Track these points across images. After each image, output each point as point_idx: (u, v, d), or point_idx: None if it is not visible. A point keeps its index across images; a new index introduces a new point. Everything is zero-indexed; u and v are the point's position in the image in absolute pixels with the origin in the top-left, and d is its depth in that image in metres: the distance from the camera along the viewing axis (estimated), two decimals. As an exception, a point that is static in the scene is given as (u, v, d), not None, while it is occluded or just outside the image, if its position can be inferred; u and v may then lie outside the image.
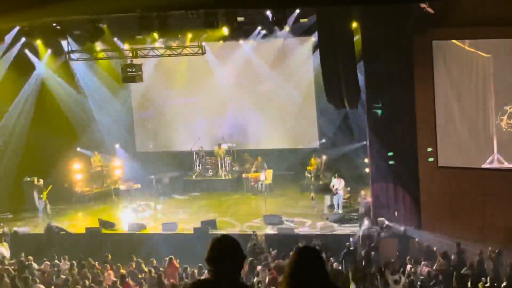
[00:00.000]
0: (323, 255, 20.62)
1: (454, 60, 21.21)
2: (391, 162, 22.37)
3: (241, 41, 27.15)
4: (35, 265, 21.08)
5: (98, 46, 25.58)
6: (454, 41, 21.09)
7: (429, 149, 21.77)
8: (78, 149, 28.89)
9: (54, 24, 23.52)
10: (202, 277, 18.43)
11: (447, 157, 21.78)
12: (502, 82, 20.58)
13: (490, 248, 19.51)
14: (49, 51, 26.74)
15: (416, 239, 21.46)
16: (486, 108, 21.02)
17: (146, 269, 20.39)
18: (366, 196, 24.25)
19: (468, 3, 19.62)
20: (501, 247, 19.48)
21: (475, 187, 21.38)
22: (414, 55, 21.55)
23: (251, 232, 22.42)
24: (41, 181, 27.00)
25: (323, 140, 28.35)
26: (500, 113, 20.77)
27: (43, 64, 27.45)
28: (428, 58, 21.35)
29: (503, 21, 19.76)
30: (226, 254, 5.22)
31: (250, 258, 20.44)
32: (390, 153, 22.39)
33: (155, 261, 20.91)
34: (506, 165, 20.95)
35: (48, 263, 21.14)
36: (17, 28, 24.04)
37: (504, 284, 17.08)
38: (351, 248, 21.24)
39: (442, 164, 21.82)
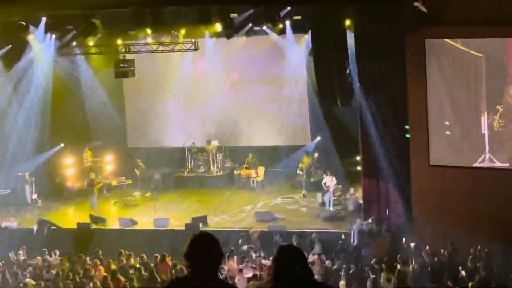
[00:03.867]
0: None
1: (447, 59, 21.25)
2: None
3: (234, 38, 27.07)
4: (25, 260, 21.05)
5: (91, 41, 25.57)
6: (446, 39, 21.12)
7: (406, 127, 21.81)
8: (61, 145, 28.83)
9: (47, 19, 23.40)
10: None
11: (438, 156, 21.82)
12: (494, 82, 20.62)
13: (479, 247, 19.57)
14: (41, 45, 26.58)
15: (407, 238, 21.48)
16: (478, 107, 21.07)
17: (136, 264, 20.38)
18: (355, 193, 24.27)
19: (461, 2, 19.67)
20: (491, 247, 19.53)
21: (466, 186, 21.43)
22: (407, 54, 21.58)
23: (242, 229, 22.43)
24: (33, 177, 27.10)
25: (318, 138, 28.21)
26: (492, 112, 20.82)
27: (34, 59, 27.31)
28: (421, 57, 21.38)
29: (496, 21, 19.82)
30: (203, 250, 5.28)
31: (242, 255, 20.48)
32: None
33: (146, 257, 20.89)
34: (497, 164, 21.01)
35: (39, 258, 21.13)
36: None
37: (494, 285, 17.11)
38: (343, 246, 21.29)
39: (433, 163, 21.87)
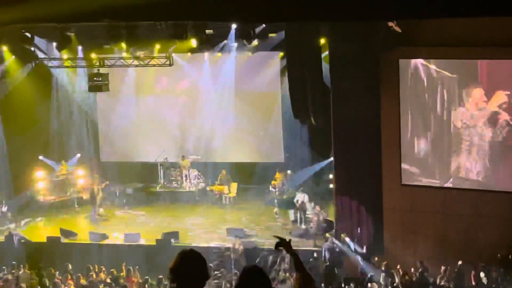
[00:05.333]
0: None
1: (420, 79, 21.39)
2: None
3: (209, 54, 27.12)
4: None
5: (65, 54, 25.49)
6: (420, 60, 21.28)
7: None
8: (40, 157, 28.65)
9: (22, 31, 23.27)
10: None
11: (410, 175, 21.92)
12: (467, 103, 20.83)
13: (449, 267, 19.68)
14: (14, 57, 26.38)
15: (378, 256, 21.53)
16: (450, 128, 21.22)
17: (106, 279, 20.25)
18: (321, 211, 24.26)
19: (434, 23, 19.83)
20: (461, 266, 19.65)
21: (437, 205, 21.55)
22: (380, 73, 21.71)
23: (215, 245, 22.46)
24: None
25: (288, 155, 28.40)
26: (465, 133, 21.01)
27: (8, 70, 27.13)
28: (395, 77, 21.52)
29: (469, 42, 20.01)
30: (192, 269, 5.19)
31: (215, 272, 20.42)
32: None
33: (115, 272, 20.78)
34: (467, 184, 21.18)
35: (10, 275, 20.87)
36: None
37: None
38: (314, 264, 21.27)
39: (405, 182, 21.97)
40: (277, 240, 6.11)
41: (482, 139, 20.78)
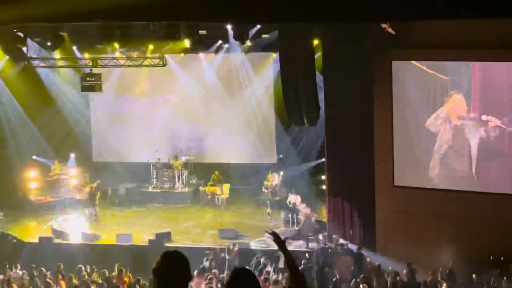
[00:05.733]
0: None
1: (413, 81, 21.43)
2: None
3: (202, 54, 27.08)
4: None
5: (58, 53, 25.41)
6: (413, 62, 21.31)
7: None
8: (34, 157, 28.60)
9: (15, 31, 23.19)
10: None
11: (403, 177, 21.94)
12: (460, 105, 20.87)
13: (441, 269, 19.70)
14: (7, 57, 26.30)
15: (369, 258, 21.55)
16: (442, 129, 21.24)
17: (98, 279, 20.21)
18: (314, 212, 24.25)
19: (427, 25, 19.86)
20: (452, 267, 19.68)
21: (429, 207, 21.59)
22: (373, 74, 21.73)
23: (208, 246, 22.45)
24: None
25: (281, 156, 28.40)
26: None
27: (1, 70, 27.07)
28: (387, 78, 21.55)
29: (461, 44, 20.06)
30: (176, 270, 5.21)
31: (207, 273, 20.36)
32: None
33: (107, 272, 20.73)
34: (459, 186, 21.24)
35: (1, 275, 20.80)
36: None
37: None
38: (307, 265, 21.26)
39: (397, 184, 21.99)
40: (270, 234, 6.12)
41: (473, 142, 20.84)
